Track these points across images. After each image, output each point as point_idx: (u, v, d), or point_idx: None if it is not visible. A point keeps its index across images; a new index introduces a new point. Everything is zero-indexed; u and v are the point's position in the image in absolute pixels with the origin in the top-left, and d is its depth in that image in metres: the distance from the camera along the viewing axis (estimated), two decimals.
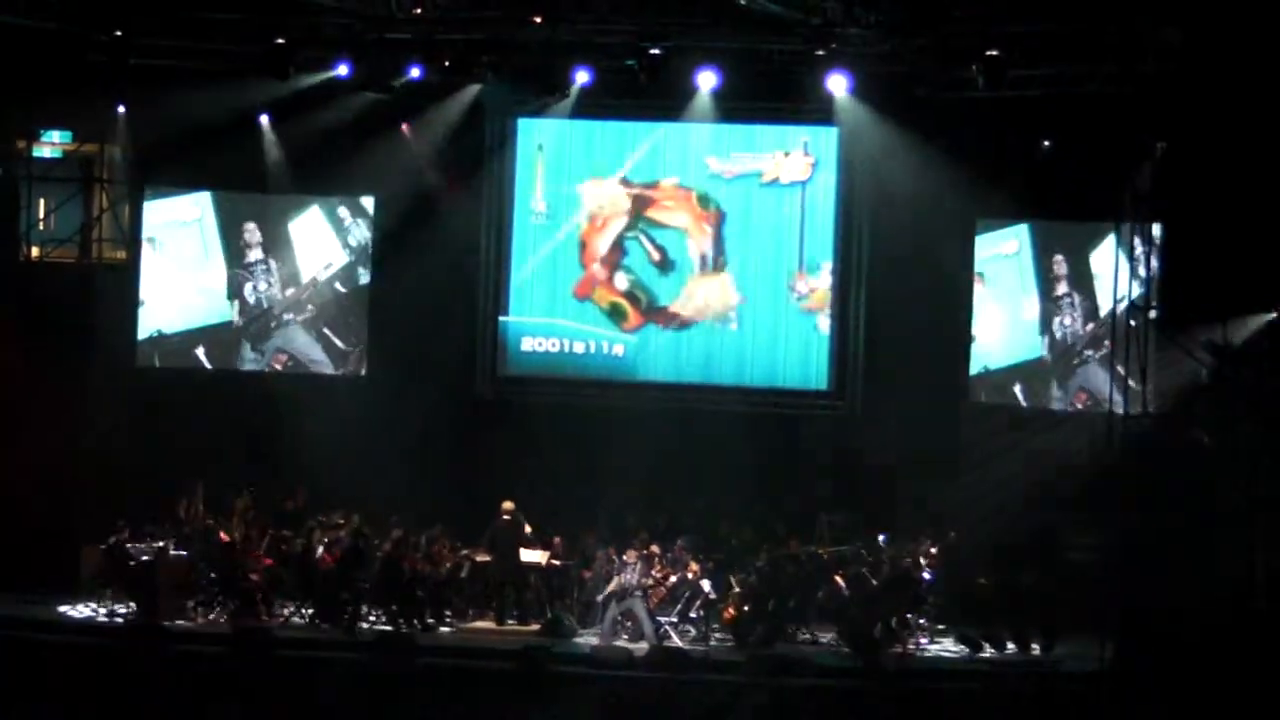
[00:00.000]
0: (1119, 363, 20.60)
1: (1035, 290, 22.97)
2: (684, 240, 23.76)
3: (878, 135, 22.71)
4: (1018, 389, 22.95)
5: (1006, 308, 23.12)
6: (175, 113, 22.41)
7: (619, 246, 23.83)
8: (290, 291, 23.87)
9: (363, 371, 23.83)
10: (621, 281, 23.87)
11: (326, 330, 23.83)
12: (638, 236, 23.78)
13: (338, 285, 23.87)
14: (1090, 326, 22.59)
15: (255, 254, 23.81)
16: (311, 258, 23.89)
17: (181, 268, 23.79)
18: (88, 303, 23.20)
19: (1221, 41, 19.73)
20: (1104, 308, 22.17)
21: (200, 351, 23.71)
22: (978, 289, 23.04)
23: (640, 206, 23.75)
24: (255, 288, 23.80)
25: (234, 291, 23.82)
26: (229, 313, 23.80)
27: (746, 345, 23.73)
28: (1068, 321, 22.82)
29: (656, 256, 23.77)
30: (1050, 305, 22.90)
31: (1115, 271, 21.19)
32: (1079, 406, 22.63)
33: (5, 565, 21.28)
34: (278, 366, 23.81)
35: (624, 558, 20.69)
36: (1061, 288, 22.84)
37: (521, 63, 22.29)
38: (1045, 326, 22.91)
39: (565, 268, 23.99)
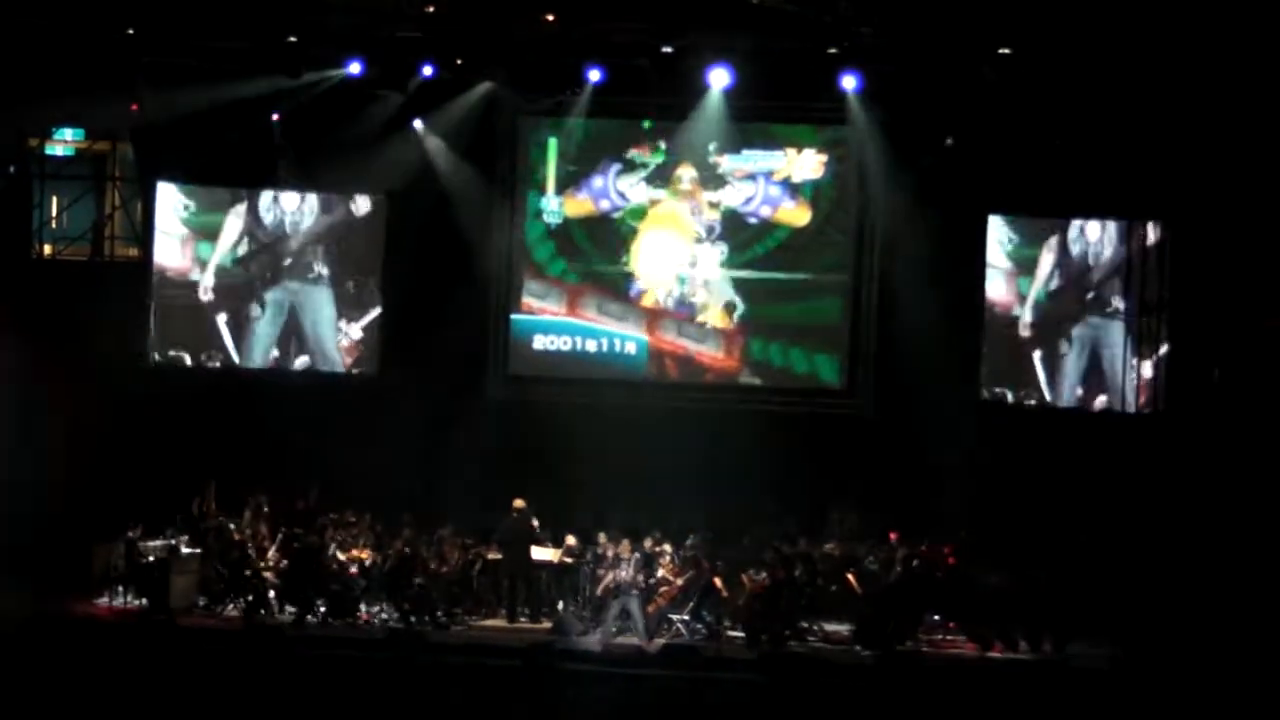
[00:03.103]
0: (1129, 361, 20.58)
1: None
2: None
3: (890, 132, 22.69)
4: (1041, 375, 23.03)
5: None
6: (187, 111, 22.43)
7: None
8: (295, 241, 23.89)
9: (374, 369, 23.85)
10: None
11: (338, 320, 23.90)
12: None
13: (348, 284, 23.95)
14: (1074, 311, 22.72)
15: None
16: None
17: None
18: (100, 300, 23.22)
19: (1229, 41, 19.73)
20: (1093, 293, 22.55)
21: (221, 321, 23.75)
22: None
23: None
24: (269, 209, 23.77)
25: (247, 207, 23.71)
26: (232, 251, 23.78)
27: (759, 343, 23.71)
28: (1052, 305, 22.92)
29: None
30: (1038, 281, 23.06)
31: (1127, 272, 21.17)
32: (1089, 404, 22.69)
33: (17, 563, 21.30)
34: (297, 365, 23.84)
35: (617, 552, 20.67)
36: (1045, 268, 22.99)
37: (534, 61, 22.31)
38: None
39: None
